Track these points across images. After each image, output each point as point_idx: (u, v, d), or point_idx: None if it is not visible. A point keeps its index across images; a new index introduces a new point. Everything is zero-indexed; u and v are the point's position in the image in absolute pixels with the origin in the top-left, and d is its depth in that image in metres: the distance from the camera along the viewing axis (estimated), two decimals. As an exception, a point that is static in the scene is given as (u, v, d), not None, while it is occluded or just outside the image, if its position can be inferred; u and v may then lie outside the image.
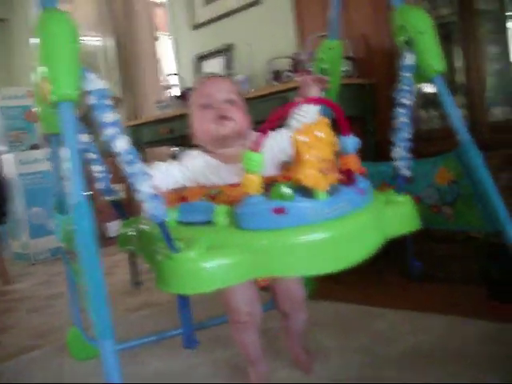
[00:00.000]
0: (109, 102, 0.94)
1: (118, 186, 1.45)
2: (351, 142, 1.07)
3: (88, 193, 0.87)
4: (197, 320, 1.77)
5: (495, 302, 1.74)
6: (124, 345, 1.75)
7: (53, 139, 1.42)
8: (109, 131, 0.91)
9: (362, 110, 2.71)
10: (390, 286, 2.14)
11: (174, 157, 4.25)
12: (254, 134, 1.33)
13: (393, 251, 2.33)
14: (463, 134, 1.34)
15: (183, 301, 1.67)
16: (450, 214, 1.40)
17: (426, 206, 1.44)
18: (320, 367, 1.50)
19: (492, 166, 1.32)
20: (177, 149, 4.24)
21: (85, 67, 0.95)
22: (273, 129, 1.08)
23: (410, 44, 1.38)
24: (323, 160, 0.94)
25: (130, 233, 1.27)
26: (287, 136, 1.30)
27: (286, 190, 0.93)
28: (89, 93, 0.95)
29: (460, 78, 2.34)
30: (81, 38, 0.95)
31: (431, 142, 2.16)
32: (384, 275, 2.28)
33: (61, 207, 1.38)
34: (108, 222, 3.89)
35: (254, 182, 0.94)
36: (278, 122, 1.01)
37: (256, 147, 0.93)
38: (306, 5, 3.05)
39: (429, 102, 2.53)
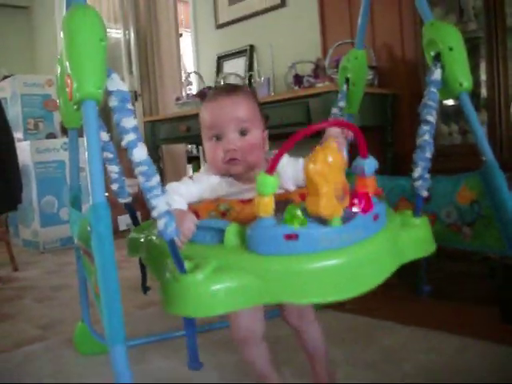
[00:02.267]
0: (130, 105, 0.92)
1: (131, 181, 1.42)
2: (369, 163, 1.03)
3: (106, 194, 0.85)
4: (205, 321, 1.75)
5: (508, 324, 1.72)
6: (131, 342, 1.75)
7: (72, 133, 1.41)
8: (128, 137, 0.89)
9: (382, 121, 2.69)
10: (402, 300, 2.11)
11: (190, 157, 4.27)
12: (273, 152, 1.30)
13: (406, 267, 2.33)
14: (488, 155, 1.32)
15: (190, 322, 1.61)
16: (468, 234, 1.38)
17: (445, 224, 1.42)
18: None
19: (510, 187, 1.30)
20: (191, 146, 4.26)
21: (109, 67, 0.93)
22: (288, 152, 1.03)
23: (438, 59, 1.36)
24: (338, 188, 0.91)
25: (141, 240, 1.25)
26: (297, 164, 1.24)
27: (300, 215, 0.90)
28: (110, 93, 0.93)
29: (483, 92, 2.31)
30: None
31: (451, 158, 2.14)
32: (396, 289, 2.25)
33: (76, 202, 1.37)
34: (119, 215, 3.88)
35: (267, 205, 0.91)
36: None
37: (270, 170, 0.90)
38: (330, 11, 3.03)
39: (450, 116, 2.50)
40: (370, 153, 1.03)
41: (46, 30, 5.50)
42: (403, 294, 2.18)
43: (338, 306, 1.96)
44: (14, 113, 4.13)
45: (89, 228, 0.85)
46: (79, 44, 0.90)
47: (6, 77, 4.36)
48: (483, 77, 2.31)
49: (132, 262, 2.86)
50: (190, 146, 4.43)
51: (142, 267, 1.52)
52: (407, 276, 2.30)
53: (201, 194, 1.24)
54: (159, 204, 0.89)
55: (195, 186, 1.25)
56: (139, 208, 1.50)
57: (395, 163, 2.63)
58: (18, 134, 4.03)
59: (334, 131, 1.22)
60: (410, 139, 2.65)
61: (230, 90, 1.32)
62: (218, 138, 1.24)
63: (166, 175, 4.08)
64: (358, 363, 1.57)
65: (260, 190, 0.90)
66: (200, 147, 3.99)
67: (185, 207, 1.14)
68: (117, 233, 3.76)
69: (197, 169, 4.44)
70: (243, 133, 1.24)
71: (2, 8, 5.57)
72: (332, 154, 0.91)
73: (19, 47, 5.73)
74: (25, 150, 3.89)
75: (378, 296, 2.11)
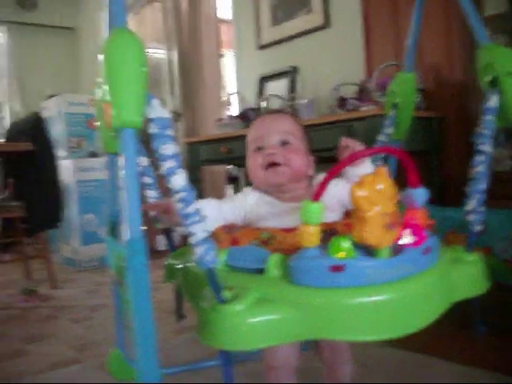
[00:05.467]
0: (170, 132, 0.89)
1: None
2: (420, 194, 0.96)
3: (144, 228, 0.81)
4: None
5: None
6: (165, 370, 1.71)
7: (111, 158, 1.38)
8: (167, 164, 0.86)
9: (428, 145, 2.60)
10: (450, 335, 1.98)
11: (230, 178, 4.24)
12: (319, 177, 1.26)
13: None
14: (548, 187, 1.23)
15: (226, 357, 1.54)
16: (525, 271, 1.29)
17: (499, 259, 1.33)
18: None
19: None
20: (232, 167, 4.23)
21: (150, 94, 0.90)
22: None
23: (494, 84, 1.28)
24: (386, 214, 0.85)
25: (177, 266, 1.21)
26: (346, 187, 1.21)
27: (346, 246, 0.85)
28: (151, 120, 0.89)
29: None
30: (146, 49, 0.90)
31: (500, 185, 2.03)
32: (445, 323, 2.12)
33: (114, 230, 1.34)
34: (158, 234, 3.87)
35: (312, 235, 0.85)
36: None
37: (316, 197, 0.85)
38: (375, 32, 2.97)
39: (500, 140, 2.40)
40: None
41: (90, 50, 5.61)
42: (454, 328, 2.04)
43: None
44: (57, 131, 4.19)
45: (124, 263, 0.81)
46: (119, 71, 0.86)
47: (51, 96, 4.44)
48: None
49: (169, 284, 2.85)
50: (230, 167, 4.40)
51: (178, 294, 1.48)
52: (458, 308, 2.19)
53: (235, 212, 1.22)
54: (197, 231, 0.85)
55: (227, 204, 1.23)
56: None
57: (441, 189, 2.53)
58: (61, 153, 4.09)
59: (349, 142, 1.21)
60: (456, 164, 2.58)
61: (275, 111, 1.33)
62: (260, 148, 1.23)
63: (206, 196, 4.06)
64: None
65: (305, 219, 0.85)
66: (241, 168, 3.95)
67: (212, 226, 1.12)
68: (154, 252, 3.77)
69: (237, 189, 4.41)
70: (284, 143, 1.23)
71: (48, 29, 5.71)
72: (382, 181, 0.86)
73: (64, 67, 5.86)
74: (67, 169, 3.94)
75: (427, 331, 2.00)
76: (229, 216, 1.21)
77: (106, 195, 1.54)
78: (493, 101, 1.27)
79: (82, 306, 2.86)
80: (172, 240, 1.38)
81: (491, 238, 1.34)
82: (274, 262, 0.92)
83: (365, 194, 0.83)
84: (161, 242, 3.86)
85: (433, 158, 2.62)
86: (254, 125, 1.31)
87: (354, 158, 0.88)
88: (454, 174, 2.51)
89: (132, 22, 5.20)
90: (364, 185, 0.84)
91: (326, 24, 3.23)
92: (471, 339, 1.89)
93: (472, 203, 1.19)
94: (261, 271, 0.93)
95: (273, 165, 1.21)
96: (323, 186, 0.85)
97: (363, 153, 0.98)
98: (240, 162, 3.45)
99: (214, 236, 1.04)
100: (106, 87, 0.89)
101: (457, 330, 1.98)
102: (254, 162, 1.24)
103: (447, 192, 2.51)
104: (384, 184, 0.86)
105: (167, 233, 1.37)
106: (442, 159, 2.62)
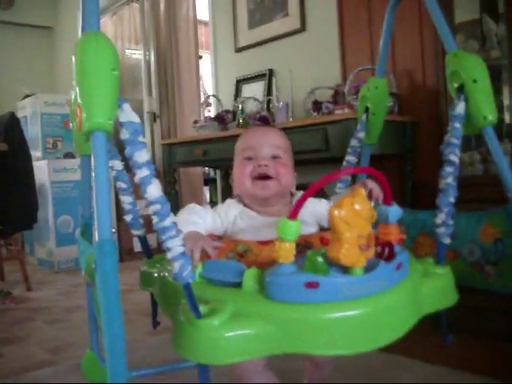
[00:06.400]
0: (142, 138, 0.89)
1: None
2: (393, 211, 0.99)
3: (114, 231, 0.81)
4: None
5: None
6: (138, 372, 1.71)
7: (84, 160, 1.37)
8: (141, 173, 0.86)
9: (401, 149, 2.63)
10: (424, 336, 2.01)
11: (207, 179, 4.25)
12: (299, 195, 1.28)
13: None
14: (513, 192, 1.25)
15: (203, 370, 1.52)
16: (491, 273, 1.32)
17: (467, 262, 1.36)
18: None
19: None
20: (208, 168, 4.24)
21: (120, 97, 0.90)
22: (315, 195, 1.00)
23: (462, 91, 1.31)
24: (361, 236, 0.87)
25: (154, 274, 1.21)
26: (327, 207, 1.24)
27: (321, 263, 0.87)
28: (121, 125, 0.90)
29: (507, 118, 2.26)
30: (123, 50, 0.90)
31: (472, 189, 2.06)
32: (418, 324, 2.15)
33: (87, 231, 1.33)
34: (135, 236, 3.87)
35: (287, 251, 0.87)
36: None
37: (293, 215, 0.86)
38: (350, 36, 3.01)
39: (471, 144, 2.44)
40: (389, 181, 0.99)
41: (68, 50, 5.56)
42: (424, 328, 2.08)
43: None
44: (33, 131, 4.16)
45: (93, 265, 0.82)
46: (89, 73, 0.86)
47: (27, 96, 4.40)
48: (506, 102, 2.26)
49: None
50: (206, 169, 4.41)
51: (153, 302, 1.48)
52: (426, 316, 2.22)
53: (216, 222, 1.23)
54: (174, 246, 0.85)
55: (210, 212, 1.24)
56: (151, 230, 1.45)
57: (414, 193, 2.57)
58: (36, 153, 4.06)
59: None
60: (429, 168, 2.63)
61: (267, 125, 1.32)
62: (250, 158, 1.24)
63: (183, 197, 4.06)
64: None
65: (281, 236, 0.87)
66: (217, 170, 3.96)
67: (203, 232, 1.15)
68: (131, 254, 3.76)
69: (213, 191, 4.41)
70: (275, 157, 1.25)
71: (25, 28, 5.66)
72: (360, 201, 0.87)
73: (41, 67, 5.81)
74: (42, 169, 3.91)
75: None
76: (209, 224, 1.21)
77: (80, 196, 1.53)
78: (459, 107, 1.28)
79: (57, 308, 2.84)
80: (147, 245, 1.38)
81: (459, 241, 1.37)
82: (250, 276, 0.93)
83: (342, 216, 0.85)
84: (137, 244, 3.85)
85: (406, 161, 2.66)
86: (246, 135, 1.33)
87: (333, 178, 0.89)
88: (427, 177, 2.55)
89: (109, 23, 5.18)
90: (342, 206, 0.86)
91: (302, 28, 3.26)
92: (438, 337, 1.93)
93: (441, 216, 1.20)
94: (237, 285, 0.94)
95: (263, 177, 1.22)
96: (300, 204, 0.87)
97: (342, 172, 1.00)
98: (216, 164, 3.47)
99: None
100: (78, 89, 0.89)
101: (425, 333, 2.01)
102: (243, 171, 1.24)
103: (420, 195, 2.55)
104: (361, 205, 0.87)
105: (142, 240, 1.37)
106: (415, 163, 2.66)
